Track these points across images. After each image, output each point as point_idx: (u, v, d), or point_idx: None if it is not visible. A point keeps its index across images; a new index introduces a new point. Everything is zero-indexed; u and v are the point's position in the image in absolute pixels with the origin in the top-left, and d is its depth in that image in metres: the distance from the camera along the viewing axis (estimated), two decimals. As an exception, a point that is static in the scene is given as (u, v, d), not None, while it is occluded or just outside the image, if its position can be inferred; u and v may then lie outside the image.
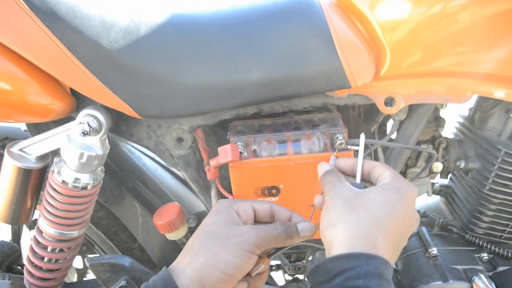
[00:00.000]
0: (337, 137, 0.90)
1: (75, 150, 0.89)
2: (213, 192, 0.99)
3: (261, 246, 0.63)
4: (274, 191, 0.94)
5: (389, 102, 0.94)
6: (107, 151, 0.93)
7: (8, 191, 0.95)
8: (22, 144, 0.94)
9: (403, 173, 1.10)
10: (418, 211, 1.20)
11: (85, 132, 0.86)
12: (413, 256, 1.08)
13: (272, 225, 0.67)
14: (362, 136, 0.69)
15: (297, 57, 0.86)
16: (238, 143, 0.90)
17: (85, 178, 0.92)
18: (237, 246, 0.60)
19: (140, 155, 1.20)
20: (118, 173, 1.13)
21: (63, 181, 0.90)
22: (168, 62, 0.85)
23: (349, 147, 0.90)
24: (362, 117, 1.17)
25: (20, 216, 0.99)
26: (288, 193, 0.94)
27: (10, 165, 0.93)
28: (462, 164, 1.06)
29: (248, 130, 0.96)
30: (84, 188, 0.92)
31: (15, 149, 0.94)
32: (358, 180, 0.67)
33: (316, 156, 0.90)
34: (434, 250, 1.05)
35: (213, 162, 0.91)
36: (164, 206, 1.01)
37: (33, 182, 0.96)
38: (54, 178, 0.91)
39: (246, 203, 0.70)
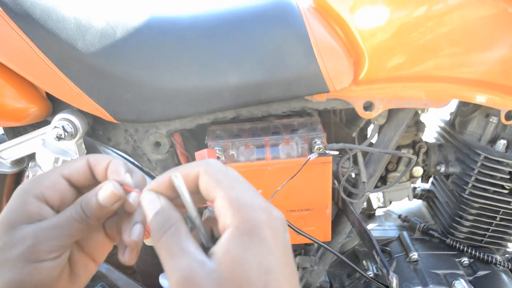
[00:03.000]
0: (315, 142, 0.89)
1: (50, 155, 0.87)
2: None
3: (56, 248, 0.44)
4: (252, 196, 0.93)
5: (368, 106, 0.94)
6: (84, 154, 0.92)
7: (-17, 196, 0.94)
8: (-4, 149, 0.93)
9: (384, 178, 1.10)
10: (400, 216, 1.20)
11: (60, 137, 0.85)
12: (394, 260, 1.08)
13: (64, 212, 0.46)
14: (179, 176, 0.42)
15: (276, 61, 0.86)
16: (215, 148, 0.89)
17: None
18: (18, 259, 0.43)
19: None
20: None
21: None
22: (145, 65, 0.84)
23: (327, 151, 0.90)
24: (344, 122, 1.17)
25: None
26: (267, 198, 0.93)
27: (-16, 169, 0.92)
28: (443, 169, 1.06)
29: (227, 134, 0.95)
30: (60, 193, 0.91)
31: (-11, 153, 0.92)
32: (205, 242, 0.43)
33: (294, 160, 0.90)
34: (414, 255, 1.05)
35: (190, 167, 0.90)
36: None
37: (8, 187, 0.95)
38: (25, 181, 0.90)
39: (53, 175, 0.48)
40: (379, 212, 1.26)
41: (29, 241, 0.43)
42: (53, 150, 0.87)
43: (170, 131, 0.94)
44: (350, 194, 1.02)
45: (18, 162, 0.94)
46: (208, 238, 0.43)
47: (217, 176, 0.41)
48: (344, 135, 1.10)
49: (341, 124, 1.11)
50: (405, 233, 1.11)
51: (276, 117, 1.02)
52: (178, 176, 0.41)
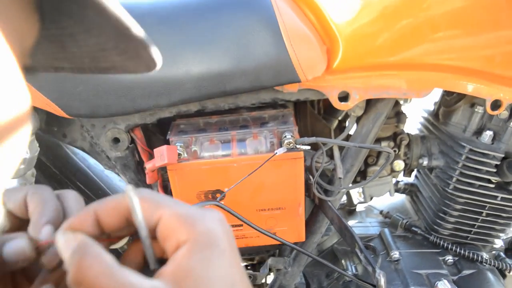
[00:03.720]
0: (285, 136, 0.82)
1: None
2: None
3: None
4: (218, 195, 0.87)
5: (344, 97, 0.87)
6: (36, 154, 0.85)
7: None
8: None
9: (363, 172, 1.03)
10: (381, 212, 1.14)
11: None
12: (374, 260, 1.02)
13: None
14: (130, 189, 0.35)
15: (241, 49, 0.79)
16: (177, 144, 0.82)
17: (12, 184, 0.83)
18: None
19: (86, 156, 1.11)
20: (57, 176, 1.04)
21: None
22: (96, 55, 0.77)
23: (298, 146, 0.83)
24: (322, 114, 1.10)
25: None
26: (234, 197, 0.87)
27: None
28: (425, 162, 0.99)
29: (192, 129, 0.88)
30: (10, 194, 0.84)
31: None
32: (151, 264, 0.36)
33: (262, 156, 0.83)
34: (395, 254, 0.99)
35: (149, 165, 0.83)
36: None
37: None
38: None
39: None
40: (360, 208, 1.20)
41: None
42: None
43: (129, 126, 0.87)
44: (326, 191, 0.96)
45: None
46: (156, 260, 0.36)
47: (155, 198, 0.36)
48: (321, 128, 1.04)
49: (318, 116, 1.04)
50: (386, 230, 1.05)
51: (248, 109, 0.95)
52: (131, 188, 0.35)
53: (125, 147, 0.88)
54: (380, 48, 0.81)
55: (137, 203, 0.35)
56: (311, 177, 0.92)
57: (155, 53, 0.32)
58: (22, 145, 0.27)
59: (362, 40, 0.80)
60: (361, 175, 1.04)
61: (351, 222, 1.14)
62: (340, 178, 0.92)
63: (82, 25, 0.30)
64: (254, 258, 1.08)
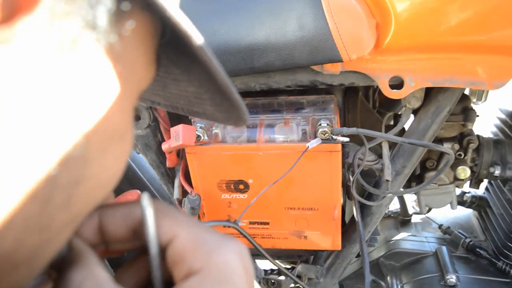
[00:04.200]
0: (320, 124, 0.70)
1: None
2: (177, 182, 0.83)
3: None
4: (241, 187, 0.77)
5: (397, 83, 0.73)
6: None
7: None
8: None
9: (420, 177, 0.87)
10: (441, 226, 0.96)
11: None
12: (426, 281, 0.86)
13: None
14: (146, 198, 0.32)
15: (273, 20, 0.68)
16: (197, 125, 0.74)
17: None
18: None
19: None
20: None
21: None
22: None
23: (335, 137, 0.70)
24: (377, 107, 0.96)
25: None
26: (259, 190, 0.76)
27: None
28: (498, 172, 0.81)
29: (220, 110, 0.79)
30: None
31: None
32: (157, 282, 0.32)
33: (292, 146, 0.72)
34: (452, 278, 0.82)
35: (165, 146, 0.75)
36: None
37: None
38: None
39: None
40: (415, 219, 1.03)
41: None
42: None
43: (152, 102, 0.80)
44: (371, 195, 0.82)
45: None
46: (163, 284, 0.32)
47: (173, 214, 0.33)
48: (373, 123, 0.89)
49: (371, 109, 0.90)
50: (444, 249, 0.88)
51: (287, 94, 0.84)
52: (146, 197, 0.32)
53: (145, 125, 0.81)
54: (445, 24, 0.66)
55: (151, 215, 0.31)
56: (350, 177, 0.79)
57: (245, 113, 0.35)
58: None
59: (422, 14, 0.66)
60: (417, 181, 0.88)
61: (403, 235, 0.98)
62: (387, 180, 0.77)
63: (187, 75, 0.35)
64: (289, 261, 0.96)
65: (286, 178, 0.75)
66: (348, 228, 0.85)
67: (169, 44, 0.33)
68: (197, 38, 0.28)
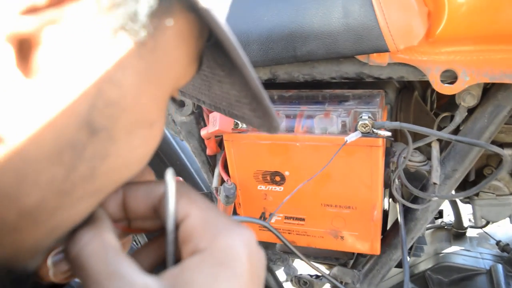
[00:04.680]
0: (361, 116, 0.67)
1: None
2: (217, 171, 0.83)
3: None
4: (278, 178, 0.75)
5: (449, 77, 0.67)
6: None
7: None
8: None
9: (476, 185, 0.80)
10: (499, 242, 0.87)
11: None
12: (477, 301, 0.78)
13: None
14: (170, 173, 0.33)
15: (315, 6, 0.66)
16: (237, 112, 0.73)
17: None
18: None
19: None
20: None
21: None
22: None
23: (376, 131, 0.66)
24: (434, 109, 0.89)
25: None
26: (295, 183, 0.74)
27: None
28: None
29: (262, 100, 0.77)
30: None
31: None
32: (169, 262, 0.33)
33: (330, 138, 0.68)
34: (507, 299, 0.74)
35: (203, 132, 0.75)
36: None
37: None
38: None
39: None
40: (471, 233, 0.94)
41: None
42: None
43: (195, 89, 0.81)
44: (416, 199, 0.76)
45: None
46: (174, 260, 0.33)
47: (191, 194, 0.34)
48: (427, 123, 0.83)
49: (425, 108, 0.84)
50: (499, 267, 0.79)
51: (335, 88, 0.81)
52: (171, 173, 0.33)
53: (189, 111, 0.82)
54: (506, 12, 0.60)
55: (173, 190, 0.32)
56: (397, 179, 0.74)
57: (275, 121, 0.37)
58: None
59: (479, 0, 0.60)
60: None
61: (455, 248, 0.90)
62: (434, 183, 0.71)
63: (230, 78, 0.37)
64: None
65: (324, 173, 0.72)
66: (389, 233, 0.80)
67: (216, 47, 0.35)
68: (232, 42, 0.30)
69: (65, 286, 0.51)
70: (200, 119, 0.84)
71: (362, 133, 0.66)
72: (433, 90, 0.90)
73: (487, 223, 0.84)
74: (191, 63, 0.34)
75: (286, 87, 0.81)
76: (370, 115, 0.67)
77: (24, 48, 0.25)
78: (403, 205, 0.75)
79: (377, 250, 0.75)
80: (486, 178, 0.65)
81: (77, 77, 0.26)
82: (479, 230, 0.94)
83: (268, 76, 0.77)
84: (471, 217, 0.94)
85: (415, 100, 0.84)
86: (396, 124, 0.66)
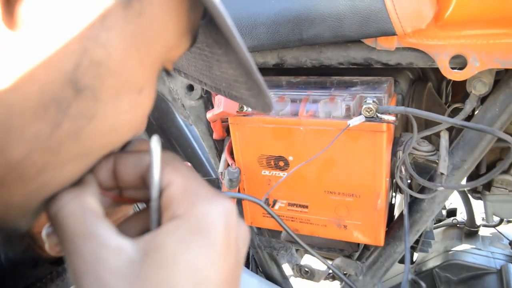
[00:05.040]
0: (366, 101, 0.65)
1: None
2: (223, 156, 0.83)
3: None
4: (281, 164, 0.74)
5: (459, 64, 0.65)
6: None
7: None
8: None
9: (489, 181, 0.76)
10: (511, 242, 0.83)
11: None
12: (486, 301, 0.75)
13: None
14: (155, 140, 0.33)
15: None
16: (242, 95, 0.73)
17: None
18: None
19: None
20: (152, 126, 1.06)
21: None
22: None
23: (380, 115, 0.65)
24: (449, 101, 0.87)
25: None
26: (299, 169, 0.73)
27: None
28: None
29: (270, 85, 0.77)
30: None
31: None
32: (153, 224, 0.33)
33: (334, 123, 0.67)
34: (517, 300, 0.71)
35: (209, 115, 0.75)
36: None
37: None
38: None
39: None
40: (484, 232, 0.90)
41: None
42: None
43: (204, 73, 0.81)
44: (423, 190, 0.74)
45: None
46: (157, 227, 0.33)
47: (176, 163, 0.34)
48: (439, 112, 0.81)
49: (438, 99, 0.82)
50: (511, 267, 0.76)
51: (348, 75, 0.80)
52: (156, 140, 0.33)
53: (198, 95, 0.82)
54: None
55: (158, 157, 0.33)
56: (402, 167, 0.72)
57: (267, 97, 0.37)
58: None
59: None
60: (485, 184, 0.78)
61: (465, 246, 0.86)
62: (442, 173, 0.69)
63: (227, 57, 0.37)
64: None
65: (327, 158, 0.71)
66: (394, 225, 0.78)
67: (212, 24, 0.35)
68: (223, 15, 0.30)
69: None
70: (208, 104, 0.84)
71: (366, 117, 0.65)
72: (448, 82, 0.88)
73: (501, 221, 0.81)
74: (183, 35, 0.35)
75: (297, 74, 0.81)
76: (375, 99, 0.66)
77: (10, 1, 0.25)
78: (409, 196, 0.73)
79: (380, 241, 0.74)
80: (494, 169, 0.63)
81: (61, 32, 0.26)
82: (493, 229, 0.90)
83: (276, 60, 0.77)
84: (484, 216, 0.90)
85: (428, 91, 0.82)
86: (401, 109, 0.64)
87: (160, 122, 1.06)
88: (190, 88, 0.83)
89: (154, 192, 0.32)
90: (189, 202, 0.31)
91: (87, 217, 0.30)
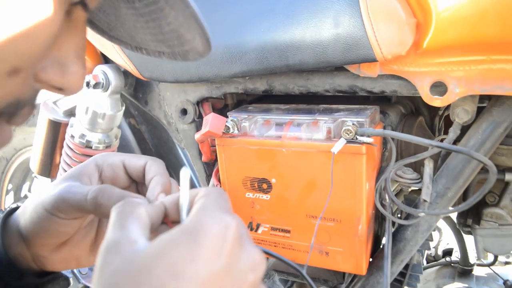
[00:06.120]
0: (346, 123, 0.66)
1: (83, 104, 0.88)
2: (211, 181, 0.84)
3: (61, 209, 0.47)
4: (265, 186, 0.75)
5: (441, 92, 0.66)
6: (119, 113, 0.90)
7: (39, 141, 1.00)
8: (56, 97, 0.98)
9: (477, 213, 0.75)
10: (506, 282, 0.79)
11: (88, 83, 0.85)
12: None
13: (85, 188, 0.47)
14: (185, 171, 0.39)
15: (308, 18, 0.68)
16: (231, 117, 0.75)
17: (92, 136, 0.89)
18: (40, 201, 0.48)
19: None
20: (151, 152, 1.08)
21: (72, 135, 0.90)
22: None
23: (359, 138, 0.65)
24: (442, 134, 0.87)
25: (49, 169, 1.02)
26: (281, 191, 0.73)
27: (43, 116, 0.98)
28: None
29: (259, 110, 0.79)
30: (89, 147, 0.90)
31: (50, 101, 0.99)
32: (183, 216, 0.39)
33: (316, 145, 0.68)
34: None
35: (197, 136, 0.77)
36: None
37: (61, 137, 0.99)
38: (67, 131, 0.92)
39: (116, 157, 0.53)
40: (478, 272, 0.86)
41: (54, 194, 0.47)
42: (87, 101, 0.87)
43: (198, 97, 0.84)
44: (407, 218, 0.72)
45: (71, 112, 0.98)
46: None
47: (209, 190, 0.40)
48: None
49: (428, 132, 0.82)
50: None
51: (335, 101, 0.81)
52: (187, 171, 0.39)
53: (191, 119, 0.85)
54: (494, 22, 0.59)
55: (187, 186, 0.39)
56: (386, 194, 0.71)
57: (206, 35, 0.41)
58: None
59: (466, 8, 0.60)
60: (474, 218, 0.76)
61: (458, 285, 0.82)
62: (424, 200, 0.68)
63: (168, 3, 0.38)
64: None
65: (308, 179, 0.71)
66: (379, 254, 0.75)
67: None
68: None
69: (55, 274, 0.54)
70: (200, 128, 0.87)
71: (346, 139, 0.66)
72: (440, 118, 0.88)
73: (495, 260, 0.78)
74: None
75: (292, 102, 0.83)
76: (355, 122, 0.67)
77: None
78: (393, 224, 0.71)
79: (362, 270, 0.71)
80: (475, 194, 0.61)
81: None
82: (487, 269, 0.86)
83: (265, 87, 0.80)
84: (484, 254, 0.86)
85: (419, 124, 0.82)
86: (380, 131, 0.65)
87: (159, 150, 1.08)
88: (184, 112, 0.86)
89: (183, 214, 0.38)
90: (197, 214, 0.35)
91: (128, 213, 0.37)
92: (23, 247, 0.50)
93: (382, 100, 0.87)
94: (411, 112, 0.89)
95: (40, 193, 0.50)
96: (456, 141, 0.72)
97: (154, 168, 0.50)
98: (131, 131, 1.06)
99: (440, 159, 0.73)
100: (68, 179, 0.49)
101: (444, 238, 1.00)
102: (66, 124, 0.97)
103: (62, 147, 0.99)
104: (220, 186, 0.79)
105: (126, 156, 0.53)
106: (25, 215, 0.49)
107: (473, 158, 0.58)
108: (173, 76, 0.81)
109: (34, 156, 1.02)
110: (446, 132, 0.88)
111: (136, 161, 0.52)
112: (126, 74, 0.90)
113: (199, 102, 0.86)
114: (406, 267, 0.78)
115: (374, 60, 0.66)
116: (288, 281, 0.92)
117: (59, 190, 0.47)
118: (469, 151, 0.58)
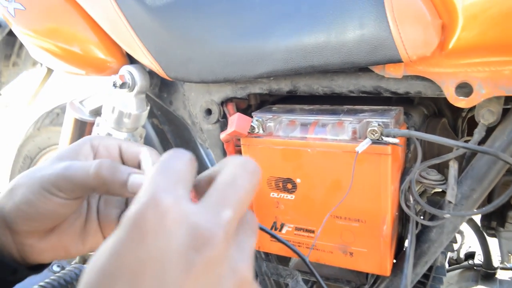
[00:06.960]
0: (371, 123, 0.67)
1: (109, 104, 0.89)
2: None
3: (62, 188, 0.44)
4: (289, 186, 0.75)
5: (466, 93, 0.66)
6: (144, 112, 0.92)
7: (65, 141, 1.02)
8: (82, 97, 1.00)
9: (501, 216, 0.74)
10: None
11: (115, 84, 0.86)
12: None
13: (86, 164, 0.45)
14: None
15: (334, 20, 0.69)
16: (256, 118, 0.76)
17: (117, 135, 0.91)
18: (36, 181, 0.45)
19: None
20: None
21: (97, 134, 0.92)
22: (197, 21, 0.80)
23: (385, 138, 0.66)
24: (465, 135, 0.87)
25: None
26: (306, 191, 0.74)
27: (69, 115, 1.00)
28: None
29: (283, 111, 0.80)
30: (114, 146, 0.91)
31: (76, 101, 1.01)
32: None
33: (340, 145, 0.69)
34: None
35: (222, 135, 0.78)
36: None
37: (87, 134, 1.01)
38: (93, 130, 0.94)
39: (113, 140, 0.52)
40: (503, 275, 0.86)
41: (53, 172, 0.45)
42: (113, 100, 0.89)
43: (222, 98, 0.86)
44: (432, 219, 0.72)
45: (96, 112, 1.00)
46: None
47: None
48: (452, 149, 0.81)
49: (452, 133, 0.82)
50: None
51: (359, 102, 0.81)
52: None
53: (215, 119, 0.86)
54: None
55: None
56: (410, 195, 0.71)
57: None
58: None
59: (493, 7, 0.60)
60: (498, 220, 0.75)
61: (481, 288, 0.82)
62: (449, 202, 0.68)
63: None
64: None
65: (333, 180, 0.72)
66: (403, 255, 0.76)
67: None
68: None
69: (46, 267, 0.53)
70: (225, 128, 0.88)
71: (371, 140, 0.66)
72: (463, 119, 0.88)
73: (519, 261, 0.77)
74: None
75: (310, 103, 0.83)
76: (380, 123, 0.67)
77: None
78: (417, 225, 0.71)
79: (386, 271, 0.72)
80: (502, 195, 0.61)
81: None
82: (511, 273, 0.85)
83: (289, 87, 0.80)
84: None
85: (442, 125, 0.82)
86: (405, 132, 0.65)
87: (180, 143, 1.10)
88: (208, 112, 0.87)
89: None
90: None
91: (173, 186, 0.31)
92: (7, 236, 0.46)
93: (404, 102, 0.87)
94: (434, 114, 0.89)
95: (30, 172, 0.47)
96: (480, 143, 0.72)
97: (152, 157, 0.48)
98: (154, 131, 1.08)
99: (464, 160, 0.73)
100: (64, 158, 0.47)
101: (466, 241, 0.99)
102: (92, 124, 0.99)
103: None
104: (244, 186, 0.80)
105: (123, 141, 0.52)
106: (13, 198, 0.46)
107: (500, 159, 0.58)
108: (199, 76, 0.82)
109: (60, 155, 1.04)
110: (469, 134, 0.88)
111: (132, 146, 0.51)
112: (151, 74, 0.92)
113: (224, 102, 0.87)
114: (430, 269, 0.78)
115: (399, 61, 0.67)
116: (309, 282, 0.92)
117: (60, 168, 0.45)
118: (496, 152, 0.58)
